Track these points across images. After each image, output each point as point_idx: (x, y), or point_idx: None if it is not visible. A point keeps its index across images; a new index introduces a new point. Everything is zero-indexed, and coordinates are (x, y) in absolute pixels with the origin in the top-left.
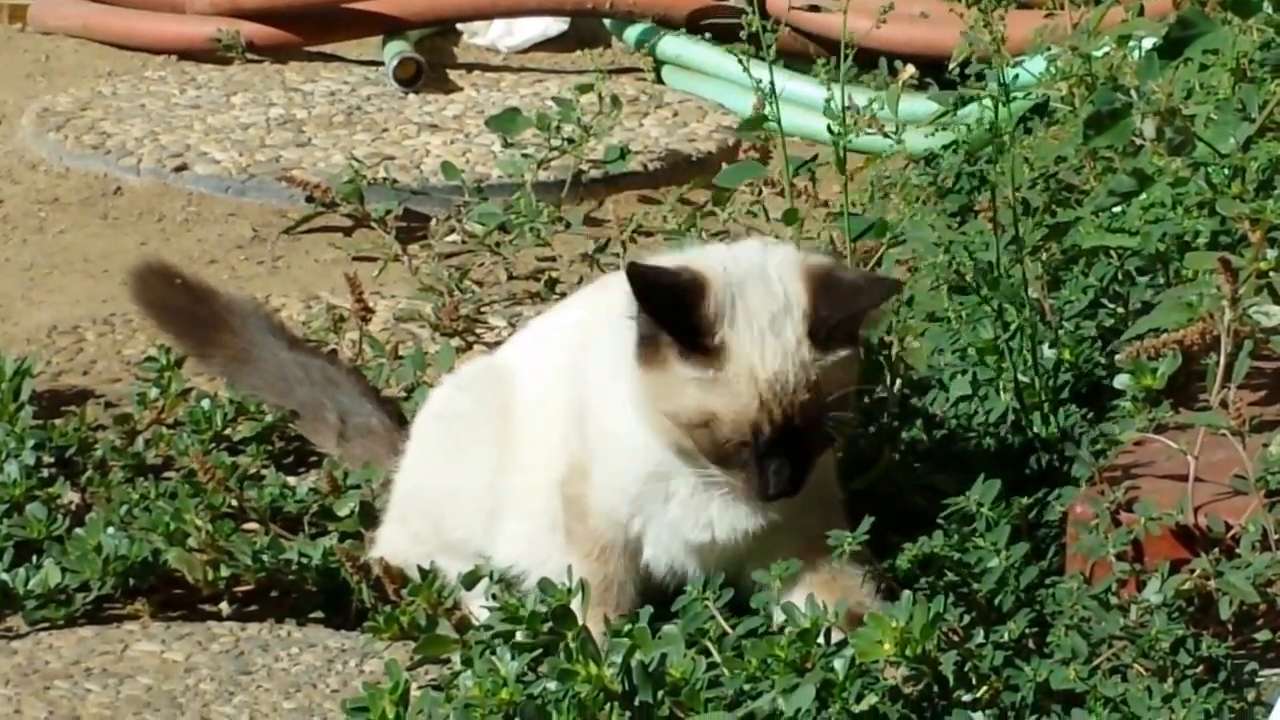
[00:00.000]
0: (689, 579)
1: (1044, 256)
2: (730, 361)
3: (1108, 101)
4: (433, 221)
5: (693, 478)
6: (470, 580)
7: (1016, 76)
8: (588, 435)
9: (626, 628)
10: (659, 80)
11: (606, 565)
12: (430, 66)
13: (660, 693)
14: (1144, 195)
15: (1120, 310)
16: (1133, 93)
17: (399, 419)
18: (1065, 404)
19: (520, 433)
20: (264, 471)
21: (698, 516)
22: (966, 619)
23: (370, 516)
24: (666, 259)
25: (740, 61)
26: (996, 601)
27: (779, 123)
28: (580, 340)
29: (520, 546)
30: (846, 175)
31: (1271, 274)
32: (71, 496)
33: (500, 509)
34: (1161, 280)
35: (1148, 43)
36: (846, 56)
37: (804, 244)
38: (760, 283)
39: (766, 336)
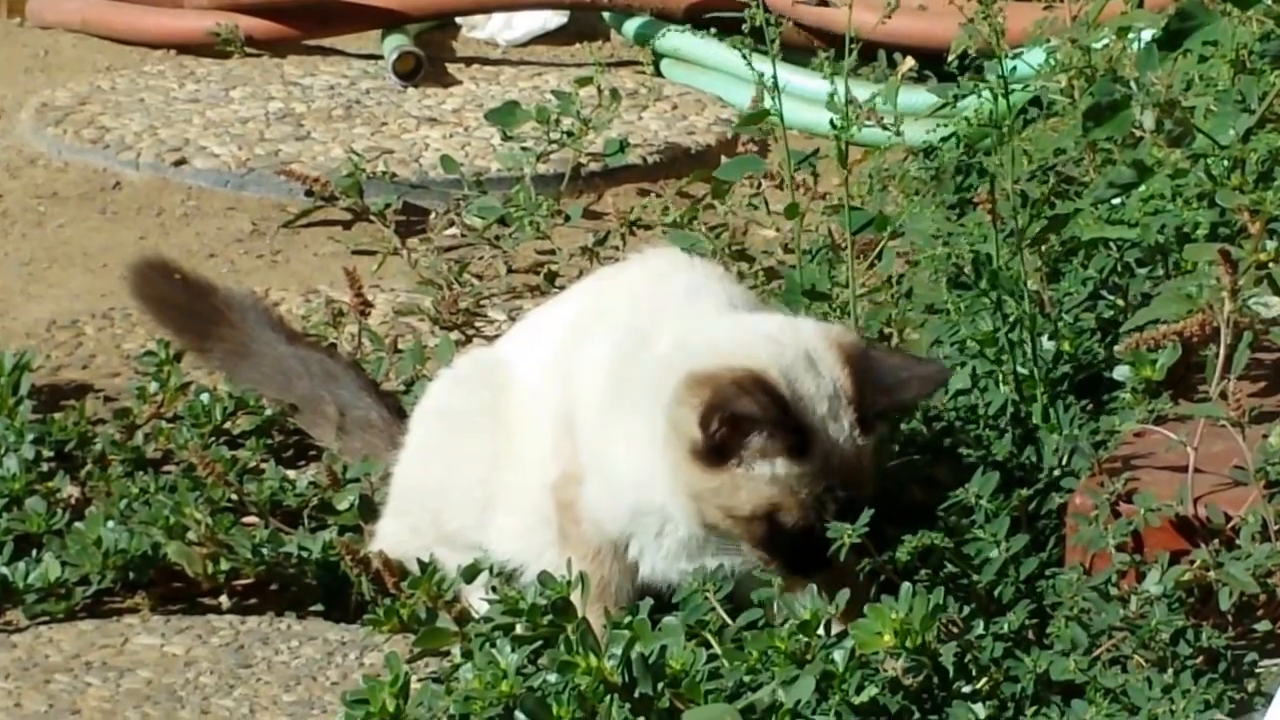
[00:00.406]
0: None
1: (1043, 249)
2: (810, 454)
3: (1107, 93)
4: (432, 215)
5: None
6: (470, 574)
7: (1015, 69)
8: (581, 448)
9: (626, 620)
10: (658, 73)
11: (602, 568)
12: (429, 60)
13: (660, 684)
14: (1143, 187)
15: (1120, 302)
16: (1132, 84)
17: (398, 412)
18: (1064, 396)
19: (514, 429)
20: (263, 465)
21: (692, 550)
22: (966, 610)
23: (370, 509)
24: (708, 349)
25: (744, 56)
26: (997, 593)
27: (780, 116)
28: (571, 340)
29: (514, 542)
30: (848, 169)
31: (1271, 265)
32: (71, 490)
33: (494, 504)
34: (1161, 272)
35: (1147, 34)
36: (851, 51)
37: (831, 320)
38: (809, 368)
39: (829, 424)
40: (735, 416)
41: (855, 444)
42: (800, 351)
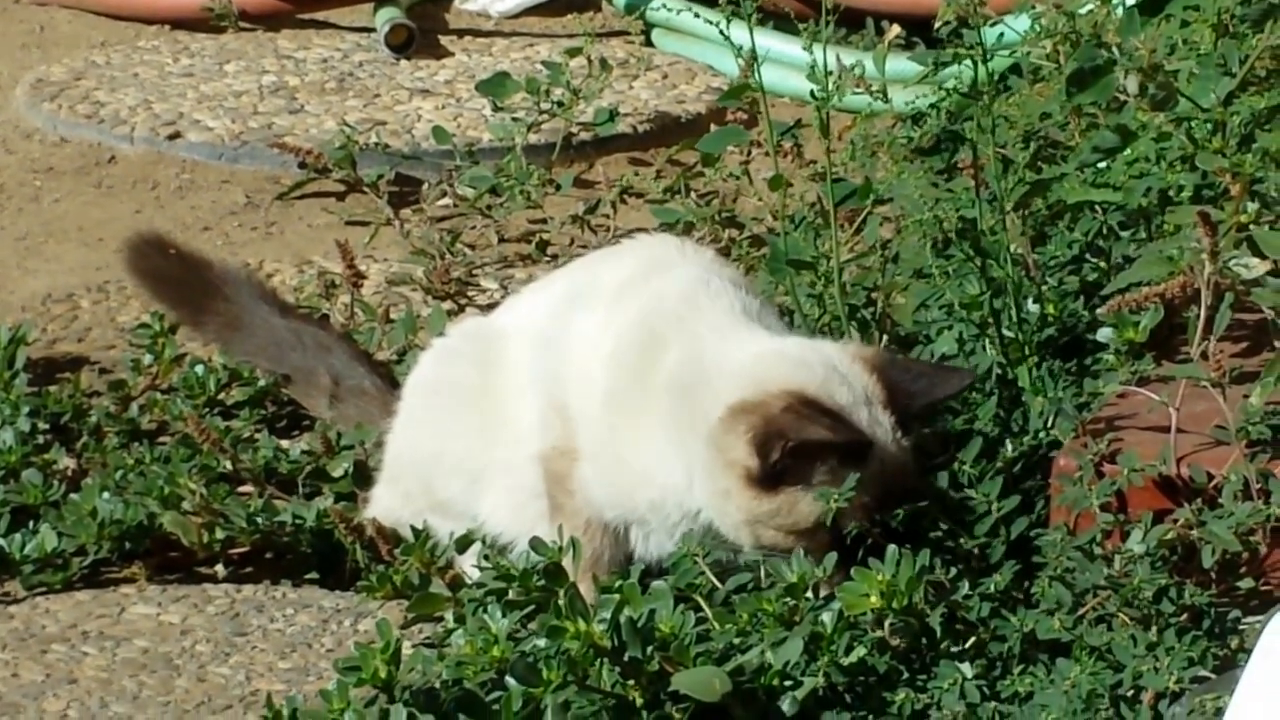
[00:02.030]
0: None
1: (1028, 213)
2: (868, 460)
3: (1091, 59)
4: (424, 186)
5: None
6: (462, 544)
7: (1001, 35)
8: (580, 431)
9: (616, 584)
10: (648, 43)
11: (594, 541)
12: (421, 32)
13: (649, 648)
14: (1127, 151)
15: (1103, 265)
16: (1115, 50)
17: (391, 381)
18: (1049, 359)
19: (506, 404)
20: (257, 436)
21: (697, 537)
22: (953, 571)
23: (364, 477)
24: (740, 375)
25: (721, 31)
26: (987, 553)
27: (761, 87)
28: (563, 317)
29: (506, 516)
30: (829, 140)
31: (1252, 227)
32: (67, 462)
33: (485, 477)
34: (1144, 235)
35: (1130, 0)
36: (829, 22)
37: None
38: (841, 382)
39: (875, 429)
40: (803, 444)
41: (899, 444)
42: (828, 367)
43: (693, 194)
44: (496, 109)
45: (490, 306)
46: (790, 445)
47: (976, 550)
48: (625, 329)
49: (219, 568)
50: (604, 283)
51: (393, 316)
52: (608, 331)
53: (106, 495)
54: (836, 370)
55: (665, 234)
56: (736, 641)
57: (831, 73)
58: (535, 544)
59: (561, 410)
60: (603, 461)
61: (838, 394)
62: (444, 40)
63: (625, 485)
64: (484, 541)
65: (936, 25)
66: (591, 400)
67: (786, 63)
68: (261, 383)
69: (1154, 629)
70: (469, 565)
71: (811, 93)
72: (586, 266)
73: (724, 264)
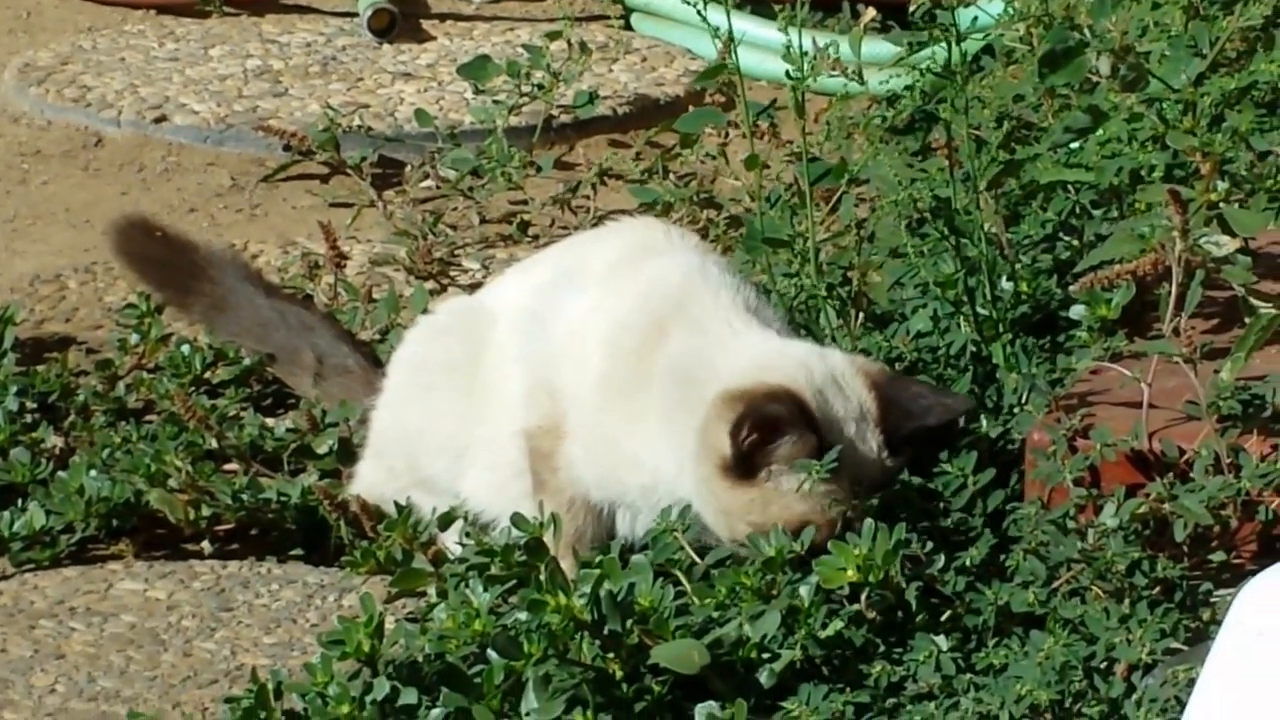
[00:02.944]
0: None
1: (1001, 193)
2: (838, 470)
3: (1063, 40)
4: (407, 168)
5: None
6: (445, 521)
7: (976, 18)
8: (569, 412)
9: (596, 559)
10: (627, 27)
11: (576, 519)
12: (404, 17)
13: (629, 621)
14: (1099, 131)
15: (1076, 243)
16: (1087, 31)
17: (374, 360)
18: (1023, 335)
19: (491, 379)
20: (242, 414)
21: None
22: (929, 545)
23: (348, 453)
24: (737, 370)
25: (698, 11)
26: (964, 527)
27: (738, 68)
28: (549, 297)
29: (488, 495)
30: (804, 121)
31: (1222, 205)
32: (55, 441)
33: (468, 455)
34: (1116, 214)
35: None
36: (804, 5)
37: (856, 353)
38: (837, 391)
39: (857, 444)
40: (762, 419)
41: (883, 465)
42: (828, 375)
43: (671, 175)
44: (478, 92)
45: (473, 286)
46: (755, 421)
47: (953, 525)
48: (624, 313)
49: (205, 544)
50: (593, 264)
51: (375, 296)
52: (601, 314)
53: (94, 473)
54: (835, 379)
55: (649, 217)
56: (715, 615)
57: (807, 53)
58: (516, 519)
59: (548, 389)
60: (593, 443)
61: (832, 402)
62: (425, 24)
63: (616, 468)
64: (466, 519)
65: (911, 8)
66: (583, 382)
67: (763, 46)
68: (247, 362)
69: (1127, 602)
70: (451, 542)
71: (787, 73)
72: (572, 247)
73: (712, 250)
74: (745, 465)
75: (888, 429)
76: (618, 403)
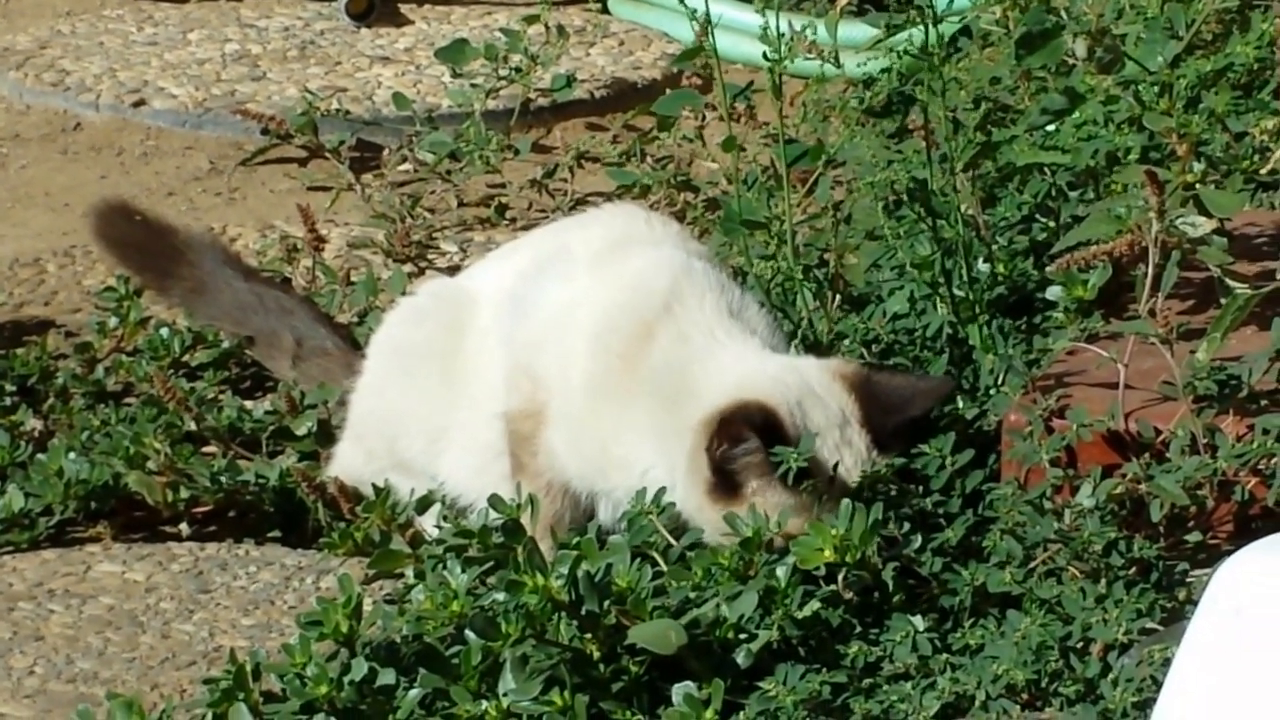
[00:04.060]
0: None
1: (978, 174)
2: (820, 481)
3: (1039, 22)
4: (385, 151)
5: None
6: (423, 505)
7: (952, 1)
8: (553, 402)
9: (574, 540)
10: (605, 10)
11: (555, 503)
12: (382, 1)
13: (606, 602)
14: (1075, 113)
15: (1052, 225)
16: (1064, 14)
17: (352, 343)
18: (999, 316)
19: (471, 363)
20: (220, 397)
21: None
22: (906, 526)
23: (327, 435)
24: (719, 390)
25: None
26: (943, 508)
27: (715, 51)
28: (532, 282)
29: (466, 479)
30: (782, 102)
31: (1198, 186)
32: (34, 423)
33: (447, 439)
34: (1092, 195)
35: None
36: None
37: (834, 356)
38: (815, 402)
39: (844, 450)
40: (736, 438)
41: (873, 464)
42: (805, 388)
43: (648, 158)
44: (455, 75)
45: (451, 269)
46: (726, 435)
47: (931, 505)
48: (611, 309)
49: (183, 526)
50: (576, 250)
51: (353, 279)
52: (588, 306)
53: (73, 456)
54: (813, 390)
55: (630, 205)
56: (692, 595)
57: (784, 34)
58: (494, 501)
59: (530, 374)
60: (581, 438)
61: (811, 415)
62: (404, 8)
63: (605, 469)
64: (444, 502)
65: None
66: (569, 375)
67: (739, 29)
68: (225, 345)
69: (1103, 582)
70: (429, 525)
71: (765, 54)
72: (554, 233)
73: (693, 239)
74: (727, 484)
75: (873, 428)
76: (606, 409)
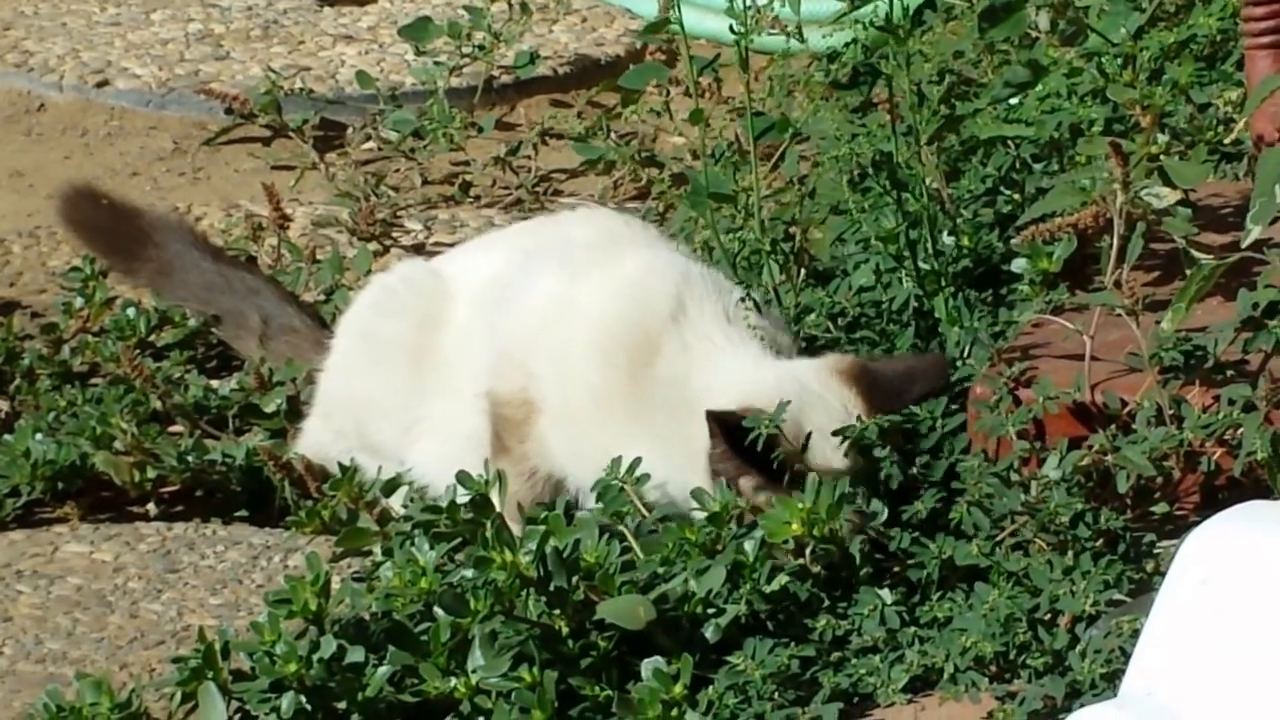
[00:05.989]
0: None
1: (942, 147)
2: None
3: None
4: (349, 130)
5: None
6: (389, 488)
7: None
8: (544, 390)
9: (542, 515)
10: None
11: (535, 489)
12: None
13: (575, 578)
14: (1039, 86)
15: (1017, 197)
16: None
17: (319, 320)
18: (965, 289)
19: (447, 355)
20: (186, 377)
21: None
22: (875, 502)
23: (296, 412)
24: (724, 388)
25: None
26: (926, 473)
27: (681, 25)
28: (523, 272)
29: (439, 467)
30: (749, 76)
31: (1162, 158)
32: (0, 405)
33: (419, 427)
34: (1057, 167)
35: None
36: None
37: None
38: (816, 403)
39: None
40: (734, 450)
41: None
42: (804, 390)
43: (613, 135)
44: (419, 53)
45: (415, 247)
46: (719, 451)
47: (916, 471)
48: (612, 320)
49: (150, 506)
50: (565, 247)
51: (319, 258)
52: (585, 314)
53: (39, 436)
54: (812, 392)
55: (599, 207)
56: (660, 570)
57: (750, 6)
58: (461, 477)
59: (519, 364)
60: (581, 443)
61: (812, 416)
62: None
63: (579, 449)
64: (411, 486)
65: None
66: (568, 382)
67: (702, 5)
68: (192, 324)
69: (1070, 553)
70: (397, 505)
71: (731, 27)
72: (536, 229)
73: (679, 244)
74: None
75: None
76: (610, 421)
